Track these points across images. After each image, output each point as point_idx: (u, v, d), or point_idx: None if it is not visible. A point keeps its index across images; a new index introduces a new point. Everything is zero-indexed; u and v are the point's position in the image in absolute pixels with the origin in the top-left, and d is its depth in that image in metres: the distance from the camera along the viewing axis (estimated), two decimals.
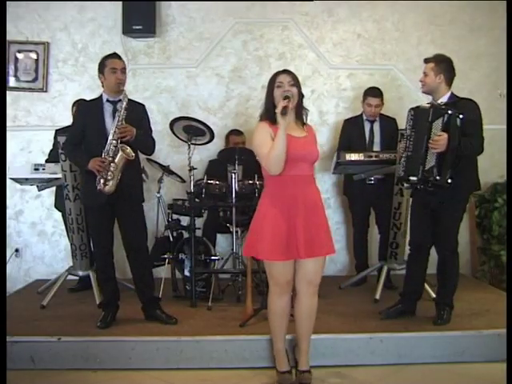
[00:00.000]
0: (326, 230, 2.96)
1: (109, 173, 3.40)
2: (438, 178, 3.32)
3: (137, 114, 3.58)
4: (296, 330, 3.06)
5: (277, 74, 2.98)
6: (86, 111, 3.60)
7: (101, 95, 3.60)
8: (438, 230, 3.53)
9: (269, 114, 2.93)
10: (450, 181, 3.32)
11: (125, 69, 3.57)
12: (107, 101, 3.54)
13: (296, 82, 2.95)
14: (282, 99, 2.84)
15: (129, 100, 3.51)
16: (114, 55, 3.58)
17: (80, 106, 3.70)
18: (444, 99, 3.48)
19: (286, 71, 2.99)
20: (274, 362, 3.15)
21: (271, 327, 3.05)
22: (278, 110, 2.80)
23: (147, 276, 3.71)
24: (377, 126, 4.65)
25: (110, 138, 3.43)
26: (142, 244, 3.68)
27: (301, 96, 2.98)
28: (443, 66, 3.47)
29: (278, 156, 2.80)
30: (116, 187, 3.43)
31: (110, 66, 3.50)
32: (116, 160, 3.41)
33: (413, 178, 3.43)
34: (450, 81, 3.50)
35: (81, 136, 3.55)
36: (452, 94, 3.52)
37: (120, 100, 3.48)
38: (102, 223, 3.57)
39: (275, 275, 2.93)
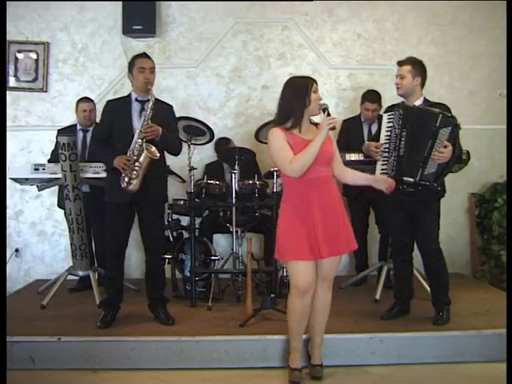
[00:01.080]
0: (346, 228, 3.00)
1: (133, 172, 3.42)
2: (434, 184, 3.34)
3: (164, 113, 3.58)
4: (309, 325, 3.08)
5: (309, 78, 2.97)
6: (114, 109, 3.61)
7: (129, 94, 3.61)
8: (418, 232, 3.54)
9: (295, 120, 2.91)
10: (439, 188, 3.38)
11: (153, 68, 3.56)
12: (136, 100, 3.56)
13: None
14: (323, 111, 2.90)
15: (156, 100, 3.53)
16: (144, 55, 3.59)
17: (108, 104, 3.70)
18: (418, 102, 3.48)
19: (311, 78, 2.98)
20: (273, 361, 3.18)
21: (290, 326, 3.05)
22: (328, 125, 2.84)
23: (160, 275, 3.74)
24: (375, 128, 4.64)
25: (136, 136, 3.45)
26: (160, 244, 3.73)
27: None
28: (419, 68, 3.47)
29: (308, 162, 2.85)
30: (140, 186, 3.44)
31: (139, 65, 3.51)
32: (141, 159, 3.43)
33: (407, 179, 3.42)
34: (423, 83, 3.52)
35: (107, 133, 3.57)
36: (425, 98, 3.53)
37: (148, 100, 3.50)
38: (121, 222, 3.57)
39: (296, 275, 2.94)
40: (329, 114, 2.90)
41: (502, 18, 4.97)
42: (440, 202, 3.61)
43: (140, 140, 3.44)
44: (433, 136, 3.32)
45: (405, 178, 3.43)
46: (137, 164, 3.42)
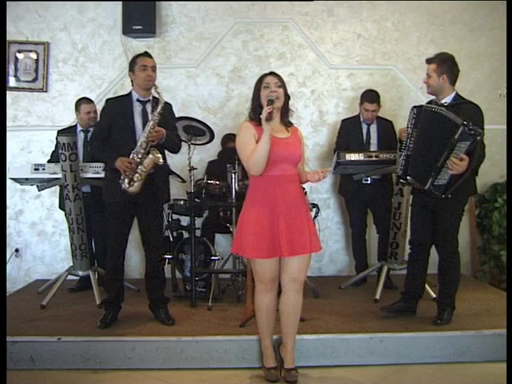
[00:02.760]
0: (310, 229, 2.99)
1: (136, 174, 3.43)
2: (442, 196, 3.31)
3: (164, 113, 3.57)
4: (281, 328, 3.08)
5: (264, 75, 3.03)
6: (115, 108, 3.60)
7: (130, 93, 3.61)
8: (438, 231, 3.53)
9: (255, 115, 2.96)
10: (449, 196, 3.33)
11: (155, 67, 3.57)
12: (137, 100, 3.55)
13: (282, 84, 2.99)
14: (267, 104, 2.88)
15: (154, 98, 3.54)
16: (145, 54, 3.61)
17: (109, 103, 3.70)
18: (448, 99, 3.46)
19: (272, 73, 3.04)
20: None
21: (258, 324, 3.09)
22: (263, 116, 2.83)
23: (161, 275, 3.73)
24: (374, 128, 4.65)
25: (142, 139, 3.44)
26: (160, 243, 3.73)
27: (287, 97, 3.01)
28: (445, 66, 3.45)
29: (260, 159, 2.86)
30: (141, 188, 3.45)
31: (141, 63, 3.53)
32: (145, 163, 3.44)
33: (410, 179, 3.41)
34: (453, 80, 3.49)
35: (107, 132, 3.56)
36: (456, 94, 3.50)
37: (149, 100, 3.51)
38: (121, 222, 3.57)
39: (259, 272, 2.99)
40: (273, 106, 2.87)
41: (502, 17, 4.98)
42: (464, 203, 3.57)
43: (145, 144, 3.44)
44: (449, 147, 3.24)
45: (408, 178, 3.43)
46: (140, 167, 3.43)
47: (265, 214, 2.91)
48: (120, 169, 3.44)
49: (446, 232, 3.51)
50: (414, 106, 3.47)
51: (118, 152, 3.48)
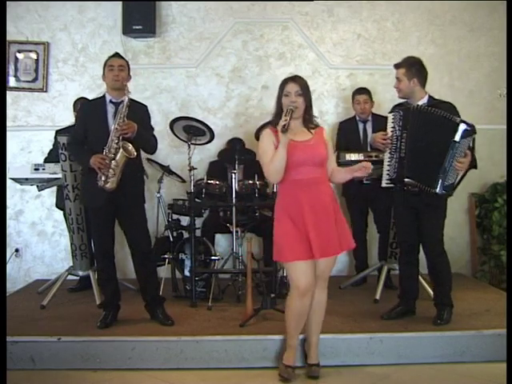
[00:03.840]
0: (341, 229, 3.00)
1: (110, 170, 3.39)
2: (451, 194, 3.33)
3: (138, 113, 3.58)
4: (306, 324, 3.09)
5: (286, 81, 2.99)
6: (89, 111, 3.61)
7: (104, 95, 3.61)
8: (423, 232, 3.52)
9: (276, 121, 2.93)
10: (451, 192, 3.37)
11: (123, 66, 3.56)
12: (110, 102, 3.55)
13: (304, 91, 2.96)
14: (284, 114, 2.86)
15: (131, 100, 3.52)
16: (113, 55, 3.62)
17: (83, 106, 3.74)
18: (423, 101, 3.46)
19: (294, 79, 3.00)
20: (273, 361, 3.19)
21: (288, 325, 3.07)
22: (279, 128, 2.83)
23: (151, 275, 3.71)
24: (369, 126, 4.68)
25: (112, 134, 3.42)
26: (145, 243, 3.68)
27: (309, 103, 2.99)
28: (414, 69, 3.45)
29: (275, 169, 2.88)
30: (117, 185, 3.42)
31: (108, 64, 3.55)
32: (117, 157, 3.41)
33: (409, 181, 3.41)
34: (424, 82, 3.50)
35: (83, 135, 3.56)
36: (429, 96, 3.50)
37: (122, 101, 3.49)
38: (103, 224, 3.56)
39: (295, 277, 2.95)
40: (291, 117, 2.86)
41: (502, 17, 4.98)
42: (447, 202, 3.57)
43: (116, 138, 3.41)
44: (454, 146, 3.25)
45: (406, 180, 3.43)
46: (113, 162, 3.39)
47: (292, 220, 2.92)
48: (94, 166, 3.40)
49: (432, 233, 3.50)
50: (397, 108, 3.46)
51: (94, 153, 3.44)
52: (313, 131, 3.02)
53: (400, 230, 3.69)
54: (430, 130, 3.32)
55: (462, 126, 3.23)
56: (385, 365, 3.28)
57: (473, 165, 3.40)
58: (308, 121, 3.02)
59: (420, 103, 3.44)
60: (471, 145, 3.31)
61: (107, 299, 3.68)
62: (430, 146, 3.33)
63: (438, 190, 3.33)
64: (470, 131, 3.25)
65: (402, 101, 3.60)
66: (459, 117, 3.36)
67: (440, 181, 3.32)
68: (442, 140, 3.28)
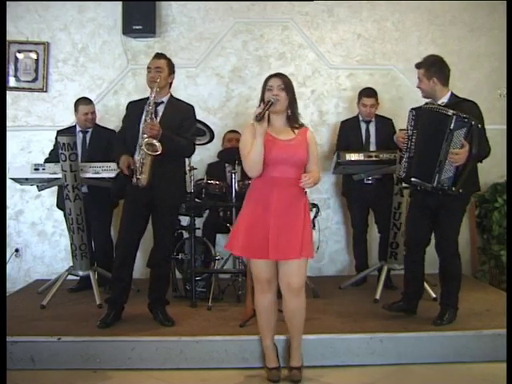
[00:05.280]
0: (303, 234, 2.89)
1: (140, 168, 3.42)
2: (453, 189, 3.30)
3: (179, 114, 3.57)
4: (288, 328, 3.08)
5: (269, 77, 3.00)
6: (130, 110, 3.67)
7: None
8: (438, 232, 3.52)
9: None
10: (461, 190, 3.32)
11: (160, 68, 3.54)
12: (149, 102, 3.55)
13: (287, 87, 2.95)
14: (265, 105, 2.86)
15: (177, 100, 3.59)
16: (155, 55, 3.63)
17: (127, 105, 3.75)
18: (444, 100, 3.47)
19: (277, 75, 3.01)
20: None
21: (258, 324, 3.10)
22: (253, 116, 2.82)
23: (163, 277, 3.72)
24: (372, 127, 4.67)
25: (140, 133, 3.46)
26: (167, 247, 3.70)
27: (292, 100, 2.98)
28: (434, 69, 3.45)
29: (253, 161, 2.86)
30: (149, 181, 3.42)
31: (147, 66, 3.57)
32: (142, 154, 3.43)
33: (415, 180, 3.42)
34: (445, 80, 3.49)
35: (124, 134, 3.66)
36: (452, 94, 3.51)
37: (162, 102, 3.52)
38: (135, 218, 3.55)
39: (254, 272, 3.00)
40: (269, 107, 2.86)
41: (502, 17, 4.97)
42: (466, 202, 3.54)
43: (145, 136, 3.42)
44: (447, 139, 3.26)
45: (413, 180, 3.43)
46: (139, 159, 3.43)
47: (257, 213, 2.90)
48: (121, 168, 3.49)
49: (446, 234, 3.49)
50: (413, 108, 3.48)
51: (129, 151, 3.51)
52: (296, 131, 2.99)
53: (410, 228, 3.67)
54: (431, 126, 3.34)
55: (454, 118, 3.25)
56: (385, 365, 3.28)
57: (477, 157, 3.34)
58: (292, 120, 2.99)
59: (441, 101, 3.45)
60: (468, 138, 3.25)
61: (113, 297, 3.64)
62: (430, 142, 3.34)
63: (435, 183, 3.32)
64: (462, 121, 3.24)
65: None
66: (481, 116, 3.37)
67: (437, 175, 3.31)
68: (438, 134, 3.30)
